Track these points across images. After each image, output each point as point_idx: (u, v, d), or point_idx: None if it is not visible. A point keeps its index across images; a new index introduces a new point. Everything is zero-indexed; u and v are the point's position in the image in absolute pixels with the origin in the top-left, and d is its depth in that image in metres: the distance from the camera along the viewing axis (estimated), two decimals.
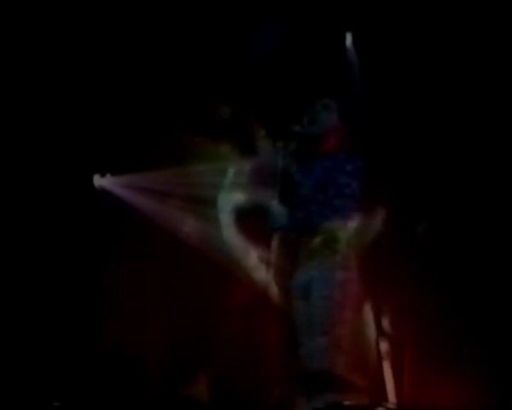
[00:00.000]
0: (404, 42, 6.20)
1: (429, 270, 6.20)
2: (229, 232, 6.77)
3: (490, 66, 6.06)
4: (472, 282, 6.19)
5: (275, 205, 4.28)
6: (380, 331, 6.22)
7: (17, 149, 6.73)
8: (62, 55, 6.72)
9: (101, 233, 6.98)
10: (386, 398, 6.27)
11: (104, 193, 7.10)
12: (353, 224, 4.34)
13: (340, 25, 6.24)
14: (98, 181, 7.14)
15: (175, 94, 6.93)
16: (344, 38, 6.27)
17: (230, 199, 6.72)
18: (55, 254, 6.81)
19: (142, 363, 6.89)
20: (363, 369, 5.94)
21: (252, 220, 6.07)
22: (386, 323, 6.28)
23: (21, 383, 6.40)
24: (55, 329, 6.71)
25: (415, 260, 6.19)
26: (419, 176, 6.22)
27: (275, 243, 4.39)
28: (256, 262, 6.25)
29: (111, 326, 6.85)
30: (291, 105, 4.63)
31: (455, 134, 6.13)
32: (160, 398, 6.71)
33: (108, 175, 7.16)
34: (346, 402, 5.72)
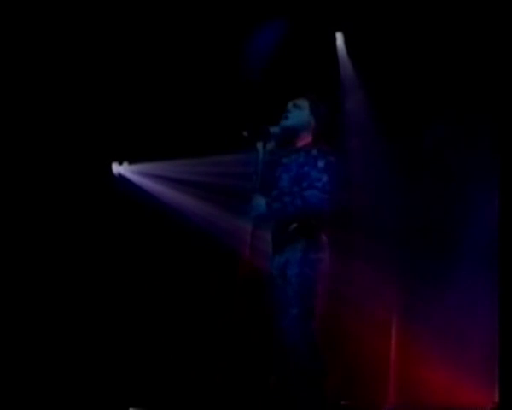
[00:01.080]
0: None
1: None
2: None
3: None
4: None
5: (256, 196, 4.83)
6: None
7: (44, 139, 7.06)
8: (84, 45, 7.02)
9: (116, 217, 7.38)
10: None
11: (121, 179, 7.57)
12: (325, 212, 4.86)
13: (330, 25, 6.63)
14: (116, 168, 7.66)
15: (191, 88, 7.27)
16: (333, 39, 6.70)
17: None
18: (71, 240, 7.20)
19: None
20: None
21: None
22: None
23: None
24: None
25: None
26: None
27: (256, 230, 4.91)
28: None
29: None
30: (270, 106, 5.09)
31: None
32: None
33: (126, 163, 7.66)
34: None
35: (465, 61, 6.55)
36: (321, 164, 4.84)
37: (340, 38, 6.71)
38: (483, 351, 6.50)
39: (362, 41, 6.66)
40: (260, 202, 4.82)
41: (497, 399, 6.25)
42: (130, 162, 7.65)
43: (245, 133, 4.81)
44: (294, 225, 4.83)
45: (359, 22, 6.57)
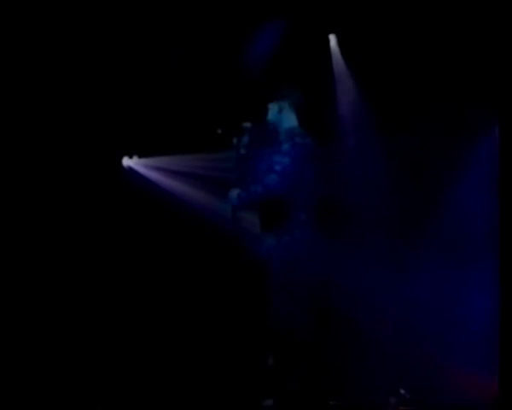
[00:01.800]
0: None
1: None
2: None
3: None
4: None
5: (231, 189, 5.13)
6: None
7: (54, 133, 7.23)
8: (93, 41, 7.14)
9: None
10: None
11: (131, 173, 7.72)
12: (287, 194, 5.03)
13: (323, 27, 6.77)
14: (126, 162, 7.83)
15: (199, 84, 7.38)
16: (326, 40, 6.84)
17: None
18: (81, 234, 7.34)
19: None
20: None
21: None
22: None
23: None
24: None
25: None
26: None
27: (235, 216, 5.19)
28: None
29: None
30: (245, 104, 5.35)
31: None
32: None
33: (135, 157, 7.81)
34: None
35: (464, 62, 6.69)
36: (285, 147, 5.10)
37: (333, 39, 6.85)
38: (482, 343, 6.63)
39: (355, 42, 6.80)
40: (233, 193, 5.12)
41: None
42: (140, 156, 7.80)
43: (219, 130, 5.10)
44: (266, 210, 5.10)
45: (353, 23, 6.71)
